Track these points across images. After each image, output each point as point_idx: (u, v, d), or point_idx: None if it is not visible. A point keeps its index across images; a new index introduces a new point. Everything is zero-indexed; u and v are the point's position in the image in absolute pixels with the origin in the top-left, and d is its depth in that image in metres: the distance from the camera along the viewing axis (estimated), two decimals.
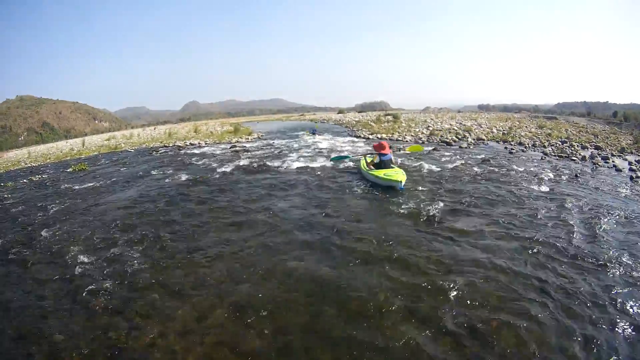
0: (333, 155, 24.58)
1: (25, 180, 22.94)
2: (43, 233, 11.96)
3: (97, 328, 6.88)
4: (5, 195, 18.73)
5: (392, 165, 16.35)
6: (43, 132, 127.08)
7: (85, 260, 9.74)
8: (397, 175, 15.05)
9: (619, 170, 19.89)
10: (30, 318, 7.42)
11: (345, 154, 25.18)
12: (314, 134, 42.83)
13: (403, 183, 14.70)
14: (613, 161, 22.24)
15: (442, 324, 6.56)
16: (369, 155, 18.13)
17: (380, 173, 15.48)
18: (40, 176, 24.35)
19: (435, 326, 6.53)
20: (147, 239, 10.97)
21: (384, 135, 38.27)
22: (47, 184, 21.35)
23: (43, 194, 18.54)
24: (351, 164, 20.59)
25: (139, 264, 9.38)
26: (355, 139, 34.66)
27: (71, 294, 8.17)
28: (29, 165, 31.73)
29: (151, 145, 39.19)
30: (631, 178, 17.85)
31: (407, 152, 24.01)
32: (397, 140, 35.10)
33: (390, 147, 17.79)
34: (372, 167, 16.43)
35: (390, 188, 15.06)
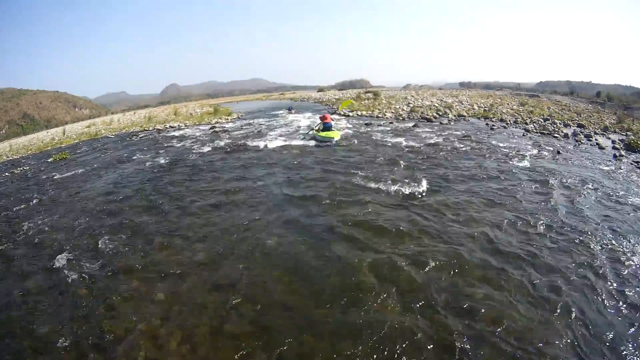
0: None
1: (7, 174, 22.59)
2: (25, 225, 11.79)
3: (82, 317, 6.84)
4: None
5: (332, 129, 22.57)
6: (24, 123, 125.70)
7: (68, 249, 9.62)
8: (332, 134, 21.65)
9: (602, 148, 19.99)
10: (16, 311, 7.35)
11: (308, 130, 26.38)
12: (290, 110, 47.05)
13: (335, 139, 21.10)
14: (596, 139, 22.32)
15: (424, 299, 6.60)
16: (318, 124, 23.44)
17: (322, 134, 22.04)
18: (22, 168, 24.00)
19: (417, 301, 6.56)
20: (128, 225, 10.90)
21: (364, 113, 38.15)
22: (29, 175, 21.05)
23: (25, 186, 18.29)
24: (315, 133, 23.27)
25: (121, 249, 9.34)
26: (336, 117, 34.39)
27: (55, 285, 8.09)
28: (11, 158, 31.23)
29: (131, 130, 38.76)
30: (614, 156, 17.95)
31: (342, 107, 29.63)
32: (377, 117, 35.05)
33: (332, 119, 23.93)
34: (319, 131, 22.56)
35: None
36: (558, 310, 6.23)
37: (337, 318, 6.23)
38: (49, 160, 25.14)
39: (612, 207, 10.91)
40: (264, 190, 13.03)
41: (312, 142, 21.86)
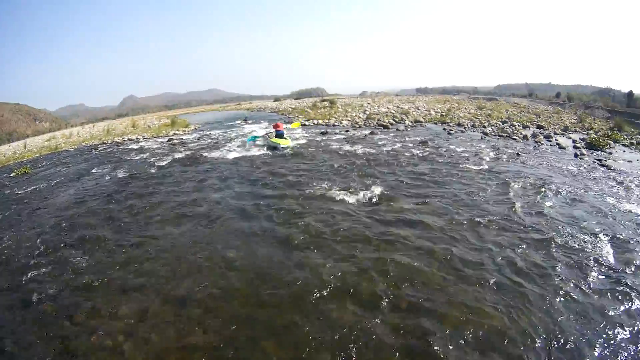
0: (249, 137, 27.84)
1: None
2: None
3: (49, 335, 6.96)
4: None
5: (285, 137, 24.16)
6: None
7: (32, 266, 9.73)
8: (282, 142, 23.12)
9: (562, 147, 20.78)
10: None
11: (255, 134, 28.19)
12: (245, 120, 48.79)
13: (284, 146, 22.80)
14: (556, 139, 23.20)
15: (385, 305, 6.94)
16: (270, 132, 25.41)
17: (274, 140, 23.48)
18: None
19: (378, 307, 6.90)
20: (90, 239, 11.01)
21: (320, 121, 38.46)
22: None
23: None
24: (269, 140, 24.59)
25: (83, 264, 9.46)
26: (289, 125, 34.80)
27: (21, 303, 8.16)
28: None
29: (90, 144, 38.23)
30: (575, 155, 18.76)
31: (291, 127, 30.43)
32: (333, 125, 35.44)
33: (284, 127, 26.09)
34: (272, 137, 24.15)
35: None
36: (521, 311, 6.62)
37: (300, 326, 6.48)
38: (11, 175, 24.70)
39: (573, 204, 11.49)
40: (222, 202, 13.25)
41: (269, 152, 22.12)
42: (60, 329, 7.14)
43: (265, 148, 23.90)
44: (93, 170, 22.10)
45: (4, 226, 13.56)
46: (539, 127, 29.07)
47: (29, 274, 9.39)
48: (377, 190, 12.93)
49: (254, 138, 26.10)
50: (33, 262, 9.99)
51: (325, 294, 7.35)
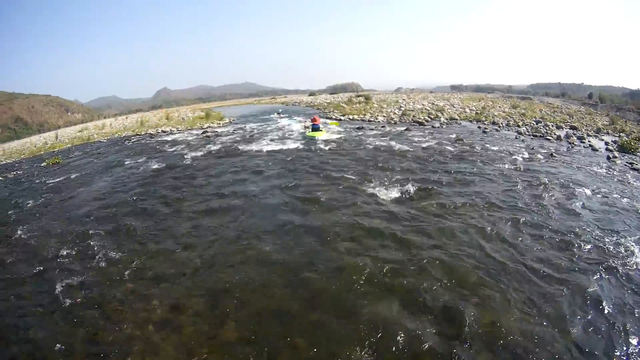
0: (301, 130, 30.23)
1: (0, 178, 22.51)
2: (19, 230, 11.69)
3: (76, 323, 6.79)
4: None
5: (320, 130, 26.64)
6: (16, 127, 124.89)
7: (62, 255, 9.57)
8: (317, 134, 25.76)
9: (595, 150, 20.06)
10: (10, 317, 7.29)
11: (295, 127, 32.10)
12: (279, 114, 49.46)
13: (318, 138, 24.74)
14: (589, 141, 22.44)
15: (419, 303, 6.61)
16: (308, 127, 27.95)
17: (311, 134, 26.14)
18: (15, 172, 23.89)
19: (412, 304, 6.58)
20: (122, 230, 10.84)
21: (355, 117, 38.20)
22: (22, 180, 20.93)
23: (18, 190, 18.17)
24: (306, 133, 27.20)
25: (114, 255, 9.28)
26: (328, 121, 34.47)
27: (49, 290, 8.01)
28: (4, 162, 31.01)
29: (123, 135, 38.66)
30: (608, 158, 18.04)
31: (329, 125, 30.54)
32: (369, 121, 35.05)
33: (320, 120, 29.06)
34: (309, 131, 26.75)
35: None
36: (552, 316, 6.23)
37: (332, 323, 6.22)
38: (42, 164, 25.02)
39: (606, 209, 10.96)
40: (257, 195, 12.98)
41: (305, 146, 21.90)
42: (88, 317, 7.01)
43: (301, 141, 23.82)
44: (126, 162, 22.12)
45: (34, 214, 13.58)
46: (572, 127, 28.32)
47: (58, 262, 9.31)
48: (413, 187, 12.56)
49: (314, 132, 26.97)
50: (63, 251, 9.83)
51: (359, 291, 7.10)
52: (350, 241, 9.03)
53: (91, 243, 10.10)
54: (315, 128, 26.72)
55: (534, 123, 30.33)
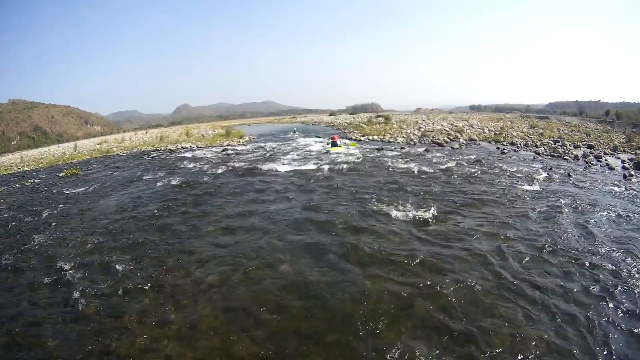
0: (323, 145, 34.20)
1: (17, 185, 22.88)
2: (35, 238, 11.87)
3: (90, 333, 6.83)
4: None
5: (339, 145, 30.20)
6: (35, 136, 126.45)
7: (78, 265, 9.68)
8: (334, 148, 29.20)
9: (611, 168, 20.00)
10: (23, 324, 7.34)
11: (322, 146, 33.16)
12: (294, 132, 52.52)
13: (333, 152, 28.29)
14: (606, 160, 22.40)
15: (435, 326, 6.56)
16: (328, 143, 31.62)
17: (331, 149, 29.42)
18: (32, 181, 24.28)
19: (428, 328, 6.53)
20: (139, 244, 10.92)
21: (375, 137, 38.35)
22: (40, 188, 21.24)
23: (35, 198, 18.45)
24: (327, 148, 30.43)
25: (132, 268, 9.35)
26: (347, 141, 34.97)
27: (64, 299, 8.10)
28: (22, 170, 31.68)
29: (143, 149, 39.16)
30: (624, 176, 17.95)
31: (349, 144, 32.98)
32: (388, 141, 35.14)
33: (339, 138, 33.39)
34: (329, 147, 30.05)
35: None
36: (570, 338, 6.15)
37: (349, 343, 6.20)
38: (60, 174, 25.42)
39: (624, 229, 10.89)
40: (276, 214, 13.01)
41: (324, 167, 21.80)
42: (103, 328, 7.05)
43: (321, 162, 23.91)
44: (145, 176, 22.39)
45: (51, 224, 13.75)
46: (589, 146, 28.34)
47: (73, 272, 9.40)
48: (432, 209, 12.51)
49: (334, 147, 30.18)
50: (79, 262, 9.98)
51: (377, 313, 7.04)
52: (368, 263, 9.01)
53: (108, 255, 10.23)
54: (334, 144, 30.49)
55: (552, 143, 30.38)
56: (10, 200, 18.74)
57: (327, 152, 29.26)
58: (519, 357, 5.79)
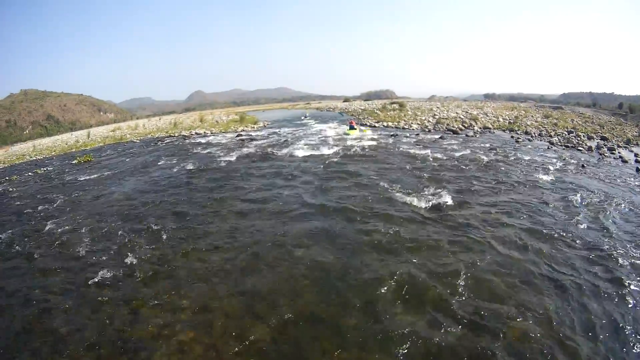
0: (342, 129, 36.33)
1: (30, 174, 23.05)
2: (48, 225, 11.94)
3: (103, 319, 6.86)
4: (11, 189, 18.76)
5: (354, 129, 32.23)
6: (48, 125, 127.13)
7: (91, 251, 9.75)
8: (352, 132, 31.40)
9: (624, 161, 20.02)
10: (36, 311, 7.39)
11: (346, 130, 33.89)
12: (305, 117, 56.28)
13: (352, 135, 30.57)
14: (619, 152, 22.46)
15: (450, 313, 6.57)
16: (348, 127, 33.70)
17: (347, 131, 32.14)
18: (45, 169, 24.47)
19: (443, 315, 6.54)
20: (153, 230, 10.94)
21: (389, 124, 38.48)
22: (52, 176, 21.41)
23: (48, 186, 18.58)
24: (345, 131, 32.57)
25: (145, 254, 9.37)
26: (362, 127, 35.13)
27: (76, 285, 8.16)
28: (34, 158, 31.89)
29: (156, 136, 39.40)
30: (637, 169, 17.95)
31: (363, 130, 33.94)
32: (403, 128, 35.24)
33: (354, 123, 34.93)
34: (347, 130, 32.70)
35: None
36: (583, 329, 6.16)
37: (364, 329, 6.21)
38: (73, 162, 25.62)
39: (634, 222, 10.86)
40: (291, 200, 13.03)
41: (339, 153, 21.85)
42: (116, 313, 7.10)
43: (335, 147, 23.92)
44: (160, 162, 22.48)
45: (64, 211, 13.83)
46: (603, 138, 28.39)
47: (87, 258, 9.49)
48: (447, 196, 12.53)
49: (350, 129, 32.89)
50: (92, 247, 10.07)
51: (392, 298, 7.09)
52: (383, 249, 9.01)
53: (122, 241, 10.27)
54: (351, 127, 32.85)
55: (566, 133, 30.53)
56: (23, 188, 18.87)
57: (346, 134, 31.64)
58: (532, 345, 5.79)
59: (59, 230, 11.54)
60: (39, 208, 14.25)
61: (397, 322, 6.32)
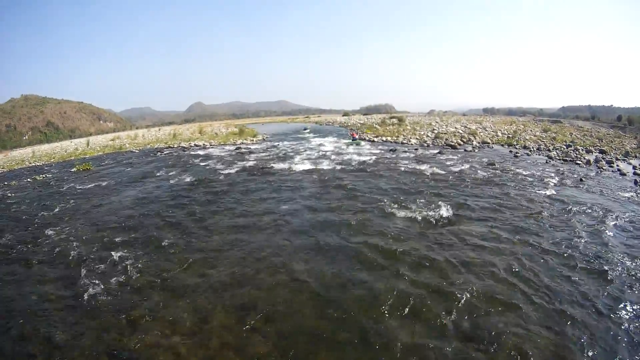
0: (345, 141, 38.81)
1: (29, 180, 23.10)
2: (47, 232, 11.98)
3: (100, 328, 6.85)
4: (9, 194, 18.83)
5: (356, 140, 37.71)
6: (47, 131, 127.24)
7: (88, 260, 9.75)
8: (352, 142, 36.44)
9: (623, 174, 19.98)
10: (33, 318, 7.39)
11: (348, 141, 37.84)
12: (305, 130, 56.69)
13: (350, 144, 35.50)
14: (617, 165, 22.44)
15: (446, 328, 6.57)
16: (350, 140, 38.06)
17: (348, 142, 36.95)
18: (44, 175, 24.54)
19: (439, 329, 6.54)
20: (151, 240, 10.98)
21: (388, 138, 38.59)
22: (51, 183, 21.46)
23: (47, 193, 18.59)
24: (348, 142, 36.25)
25: (143, 264, 9.39)
26: (361, 142, 35.46)
27: (74, 293, 8.16)
28: (33, 164, 32.04)
29: (156, 146, 39.50)
30: (635, 182, 17.92)
31: (361, 144, 35.86)
32: (402, 143, 35.28)
33: (356, 134, 42.01)
34: (350, 140, 38.44)
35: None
36: (578, 343, 6.13)
37: (360, 345, 6.19)
38: (72, 170, 25.71)
39: (636, 236, 10.84)
40: (289, 214, 13.03)
41: (337, 167, 21.89)
42: (113, 323, 7.10)
43: (334, 162, 23.96)
44: (158, 173, 22.55)
45: (62, 218, 13.85)
46: (601, 151, 28.41)
47: (84, 266, 9.46)
48: (445, 211, 12.59)
49: (353, 140, 37.88)
50: (90, 257, 10.05)
51: (389, 313, 7.07)
52: (380, 264, 9.02)
53: (119, 251, 10.28)
54: (353, 139, 37.60)
55: (565, 147, 30.47)
56: (22, 194, 18.92)
57: (347, 145, 35.15)
58: None
59: (57, 238, 11.56)
60: (38, 215, 14.32)
61: (394, 337, 6.33)
